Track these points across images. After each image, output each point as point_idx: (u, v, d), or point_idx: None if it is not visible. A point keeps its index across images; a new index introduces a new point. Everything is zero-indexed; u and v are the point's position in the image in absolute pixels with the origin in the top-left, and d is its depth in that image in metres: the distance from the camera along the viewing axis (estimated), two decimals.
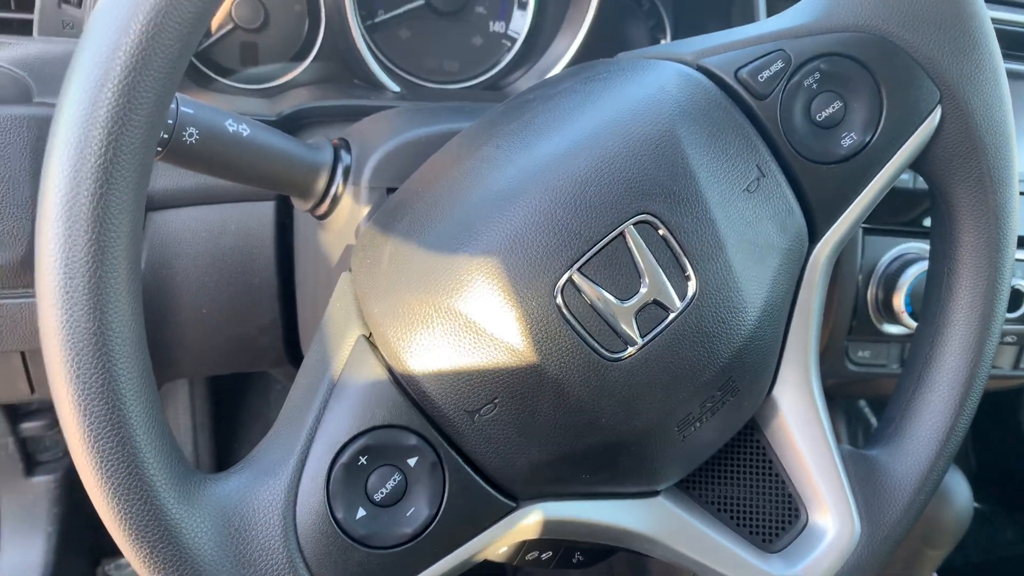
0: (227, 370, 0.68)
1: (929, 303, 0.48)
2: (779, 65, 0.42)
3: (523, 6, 0.71)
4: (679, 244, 0.39)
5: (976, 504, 1.40)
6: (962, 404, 0.46)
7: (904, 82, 0.42)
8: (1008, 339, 0.77)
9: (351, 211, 0.49)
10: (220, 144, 0.43)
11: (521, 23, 0.70)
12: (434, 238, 0.39)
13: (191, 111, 0.42)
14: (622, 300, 0.38)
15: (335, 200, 0.49)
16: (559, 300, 0.38)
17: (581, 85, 0.43)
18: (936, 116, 0.43)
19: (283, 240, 0.60)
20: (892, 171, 0.44)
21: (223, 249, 0.59)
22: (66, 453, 0.98)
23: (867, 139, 0.43)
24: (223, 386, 1.12)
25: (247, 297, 0.61)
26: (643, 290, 0.38)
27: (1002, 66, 0.43)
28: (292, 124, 0.60)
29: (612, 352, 0.38)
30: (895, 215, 0.71)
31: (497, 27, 0.71)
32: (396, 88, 0.64)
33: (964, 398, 0.46)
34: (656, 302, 0.39)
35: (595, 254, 0.38)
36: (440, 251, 0.39)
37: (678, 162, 0.39)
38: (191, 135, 0.42)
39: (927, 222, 0.73)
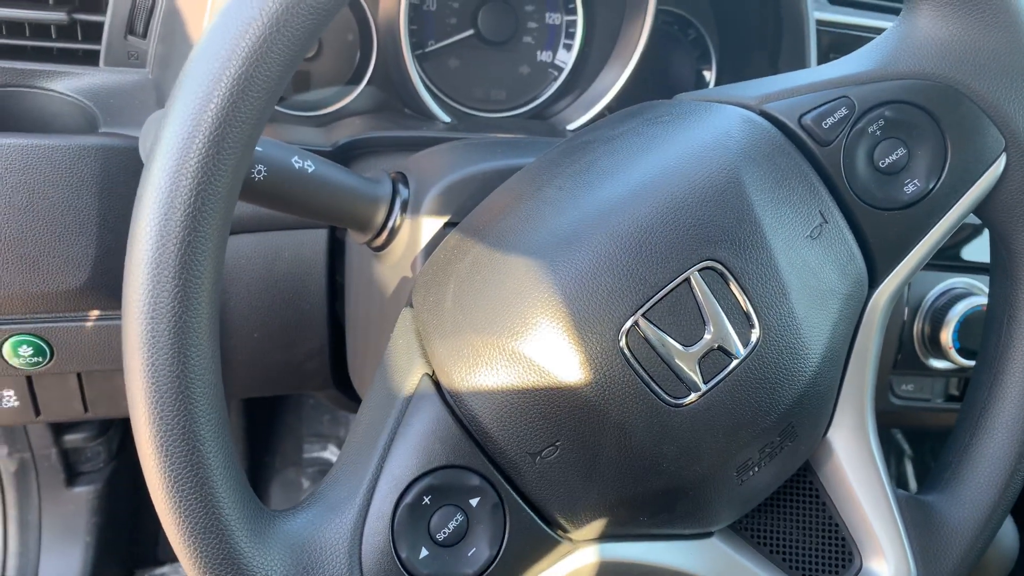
0: (273, 392, 0.69)
1: (987, 348, 0.47)
2: (843, 112, 0.42)
3: (570, 36, 0.71)
4: (744, 291, 0.39)
5: None
6: (1021, 452, 0.45)
7: (969, 130, 0.42)
8: None
9: (408, 244, 0.49)
10: (287, 181, 0.44)
11: (567, 54, 0.71)
12: (498, 279, 0.40)
13: (260, 149, 0.43)
14: (686, 346, 0.38)
15: (393, 232, 0.50)
16: (623, 344, 0.38)
17: (644, 127, 0.44)
18: (1001, 164, 0.43)
19: (334, 268, 0.61)
20: (954, 218, 0.44)
21: (276, 275, 0.60)
22: (107, 463, 0.99)
23: (930, 186, 0.43)
24: (257, 400, 1.13)
25: (297, 323, 0.62)
26: (707, 336, 0.39)
27: None
28: (346, 154, 0.61)
29: (675, 398, 0.38)
30: None
31: (544, 56, 0.72)
32: (447, 118, 0.65)
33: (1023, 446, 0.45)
34: (720, 348, 0.39)
35: (660, 299, 0.38)
36: (504, 293, 0.39)
37: (743, 208, 0.40)
38: (260, 172, 0.43)
39: (966, 253, 0.72)
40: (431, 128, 0.63)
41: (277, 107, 0.65)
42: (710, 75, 0.74)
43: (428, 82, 0.69)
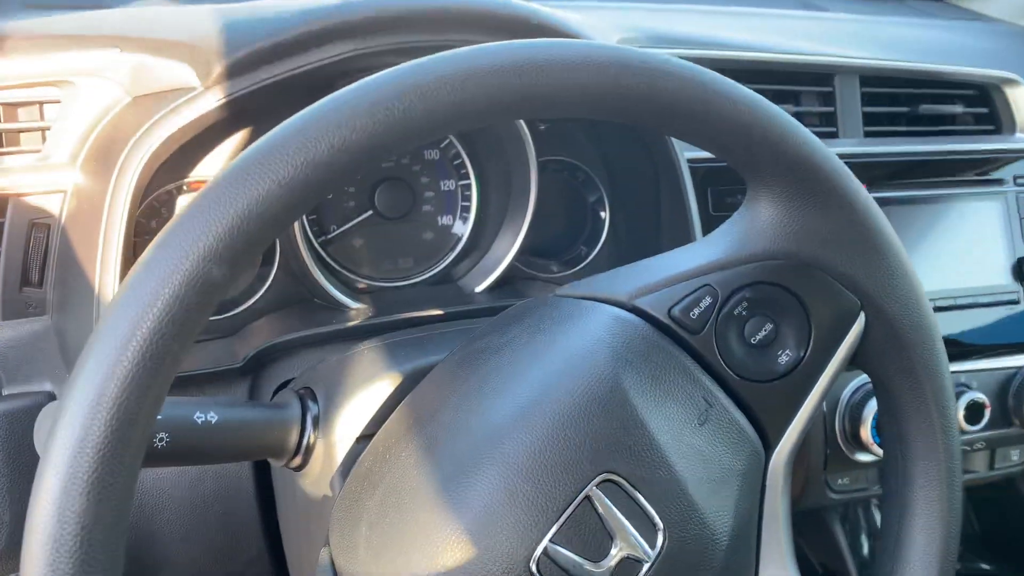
0: None
1: (888, 480, 0.50)
2: (708, 300, 0.45)
3: (467, 199, 0.74)
4: (643, 496, 0.41)
5: (985, 566, 1.39)
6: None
7: (826, 298, 0.45)
8: (978, 446, 0.79)
9: (324, 462, 0.50)
10: (191, 439, 0.45)
11: (464, 224, 0.74)
12: (405, 521, 0.41)
13: (160, 417, 0.44)
14: (596, 562, 0.40)
15: (308, 451, 0.50)
16: (535, 572, 0.39)
17: (527, 336, 0.46)
18: (861, 321, 0.46)
19: (262, 475, 0.61)
20: (830, 376, 0.46)
21: (204, 496, 0.60)
22: None
23: (801, 354, 0.46)
24: None
25: (232, 535, 0.62)
26: (614, 550, 0.40)
27: (911, 268, 0.46)
28: (257, 363, 0.62)
29: None
30: None
31: (445, 220, 0.75)
32: (356, 305, 0.67)
33: (942, 573, 0.47)
34: (629, 557, 0.40)
35: (564, 522, 0.39)
36: (412, 538, 0.40)
37: (627, 414, 0.41)
38: (161, 440, 0.43)
39: None
40: (340, 319, 0.65)
41: None
42: (605, 214, 0.78)
43: (335, 265, 0.71)
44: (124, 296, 0.33)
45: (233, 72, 0.54)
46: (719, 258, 0.45)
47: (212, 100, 0.55)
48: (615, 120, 0.40)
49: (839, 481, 0.76)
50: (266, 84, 0.56)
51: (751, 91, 0.41)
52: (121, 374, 0.32)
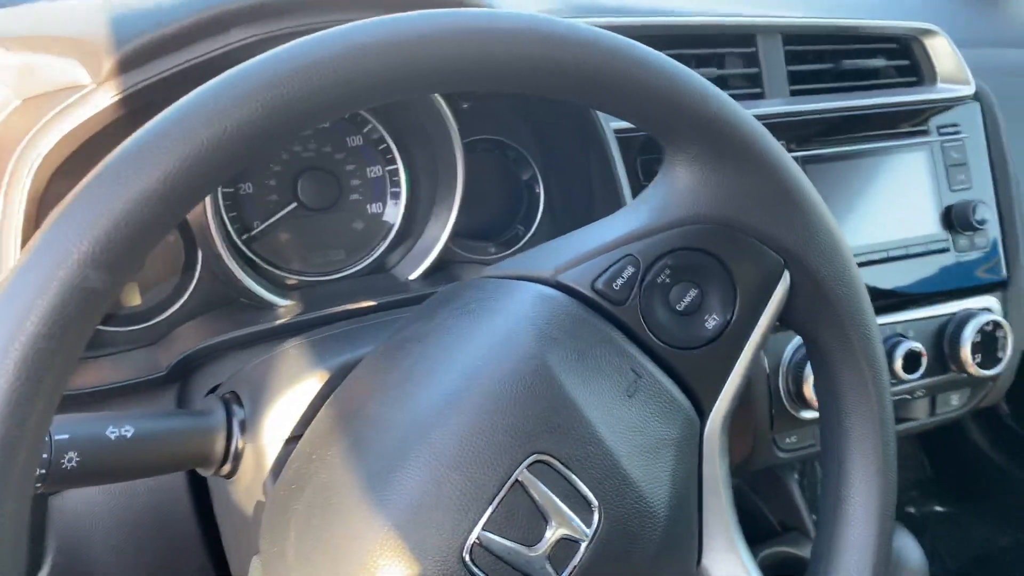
0: None
1: (825, 436, 0.50)
2: (630, 271, 0.44)
3: (395, 184, 0.72)
4: (575, 474, 0.40)
5: (939, 508, 1.43)
6: (880, 532, 0.48)
7: (749, 258, 0.45)
8: (918, 394, 0.81)
9: (255, 468, 0.48)
10: (105, 456, 0.43)
11: (396, 204, 0.72)
12: (332, 524, 0.39)
13: (66, 436, 0.41)
14: (531, 546, 0.39)
15: (237, 458, 0.49)
16: (469, 563, 0.38)
17: (452, 320, 0.44)
18: (786, 280, 0.46)
19: (197, 486, 0.59)
20: (759, 338, 0.46)
21: (136, 512, 0.58)
22: None
23: (728, 317, 0.45)
24: None
25: (171, 551, 0.59)
26: (549, 533, 0.39)
27: (832, 222, 0.46)
28: (183, 370, 0.59)
29: None
30: None
31: (375, 208, 0.72)
32: (282, 302, 0.65)
33: (881, 526, 0.47)
34: (566, 538, 0.39)
35: (496, 508, 0.38)
36: (340, 540, 0.39)
37: (554, 392, 0.41)
38: (70, 460, 0.41)
39: None
40: (268, 318, 0.62)
41: (107, 328, 0.63)
42: (539, 190, 0.77)
43: (262, 262, 0.68)
44: None
45: (125, 66, 0.51)
46: (639, 227, 0.44)
47: (105, 97, 0.52)
48: (522, 93, 0.39)
49: (787, 440, 0.77)
50: (164, 77, 0.53)
51: (662, 55, 0.39)
52: None
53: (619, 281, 0.44)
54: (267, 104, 0.32)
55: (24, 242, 0.52)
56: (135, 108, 0.53)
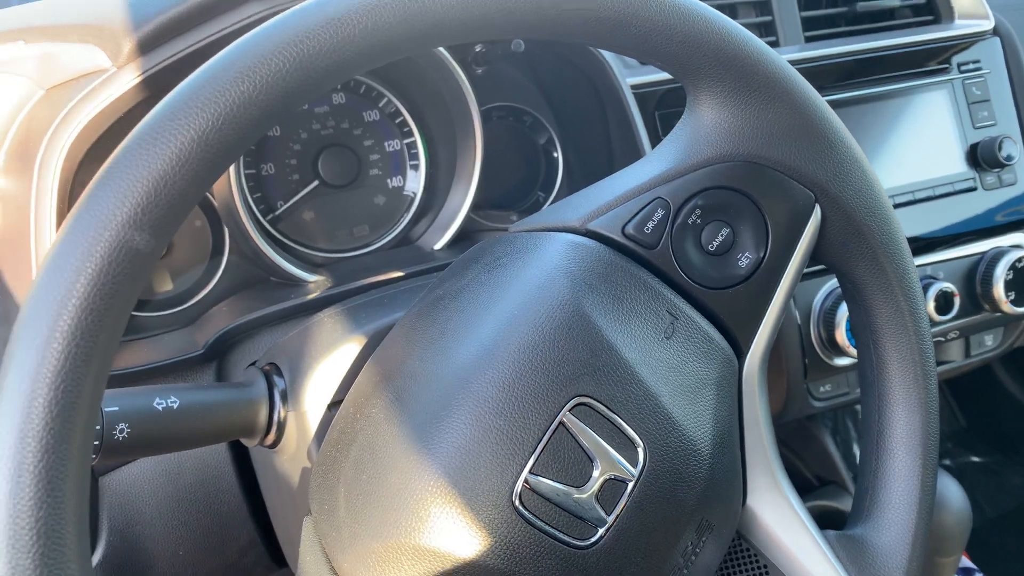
0: None
1: (864, 373, 0.49)
2: (660, 213, 0.44)
3: (414, 157, 0.72)
4: (617, 415, 0.40)
5: (975, 458, 1.42)
6: (924, 463, 0.47)
7: (779, 194, 0.44)
8: (952, 335, 0.80)
9: (299, 435, 0.49)
10: (154, 427, 0.43)
11: (416, 176, 0.72)
12: (382, 476, 0.40)
13: (116, 408, 0.42)
14: (579, 487, 0.39)
15: (280, 428, 0.49)
16: (519, 506, 0.38)
17: (484, 274, 0.45)
18: (817, 214, 0.45)
19: (242, 460, 0.60)
20: (793, 274, 0.46)
21: (183, 490, 0.59)
22: None
23: (762, 255, 0.45)
24: None
25: (219, 526, 0.60)
26: (596, 472, 0.39)
27: (862, 155, 0.45)
28: (219, 348, 0.60)
29: (585, 540, 0.39)
30: None
31: (396, 182, 0.73)
32: (312, 278, 0.65)
33: (925, 456, 0.47)
34: (613, 478, 0.39)
35: (541, 451, 0.39)
36: (391, 490, 0.39)
37: (592, 336, 0.41)
38: (122, 431, 0.42)
39: None
40: (299, 294, 0.63)
41: (142, 313, 0.64)
42: (557, 154, 0.77)
43: (288, 242, 0.69)
44: (44, 277, 0.31)
45: (145, 47, 0.52)
46: (667, 169, 0.44)
47: (127, 79, 0.53)
48: (548, 39, 0.39)
49: (821, 389, 0.77)
50: (184, 56, 0.53)
51: None
52: (53, 356, 0.30)
53: (650, 224, 0.44)
54: (296, 58, 0.32)
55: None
56: (158, 88, 0.54)
